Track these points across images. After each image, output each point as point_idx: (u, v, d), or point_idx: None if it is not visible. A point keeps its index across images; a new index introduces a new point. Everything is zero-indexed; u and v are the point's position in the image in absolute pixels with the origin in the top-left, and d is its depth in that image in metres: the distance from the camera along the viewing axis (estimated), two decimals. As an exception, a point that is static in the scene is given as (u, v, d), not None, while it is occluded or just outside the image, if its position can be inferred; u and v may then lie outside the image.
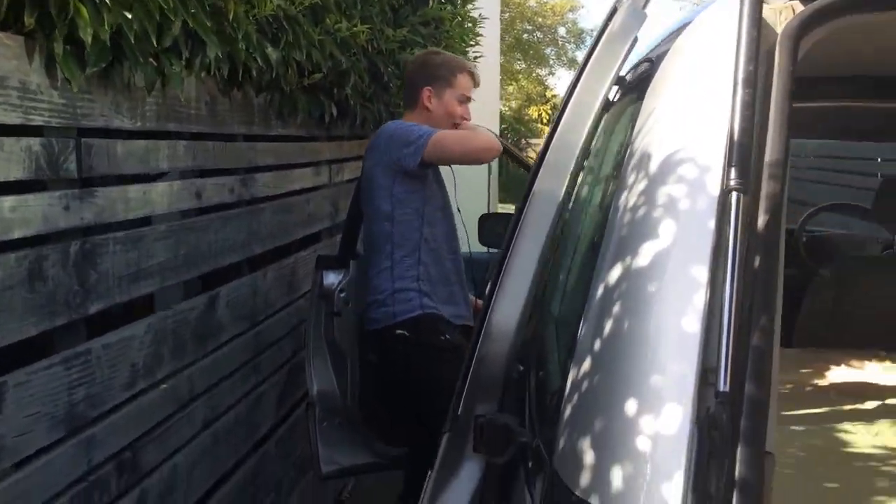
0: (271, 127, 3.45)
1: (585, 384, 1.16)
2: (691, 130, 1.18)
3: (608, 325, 1.14)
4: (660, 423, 1.04)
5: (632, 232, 1.19)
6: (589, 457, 1.10)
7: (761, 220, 1.07)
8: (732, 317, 1.00)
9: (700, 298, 1.08)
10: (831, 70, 2.34)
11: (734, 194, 1.04)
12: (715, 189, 1.09)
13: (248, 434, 3.41)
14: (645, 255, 1.14)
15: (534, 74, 29.45)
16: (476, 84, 3.45)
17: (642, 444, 1.04)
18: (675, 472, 1.01)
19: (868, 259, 3.74)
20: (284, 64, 2.90)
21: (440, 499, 1.31)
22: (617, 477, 1.05)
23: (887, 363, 3.16)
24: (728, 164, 1.05)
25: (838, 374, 3.08)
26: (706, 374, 1.04)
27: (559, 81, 32.36)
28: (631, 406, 1.07)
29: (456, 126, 3.36)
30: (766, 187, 1.09)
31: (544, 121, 30.17)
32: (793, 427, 2.49)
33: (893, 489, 1.99)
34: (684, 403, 1.04)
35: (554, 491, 1.13)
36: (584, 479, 1.10)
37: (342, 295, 3.67)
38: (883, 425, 2.47)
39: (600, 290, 1.19)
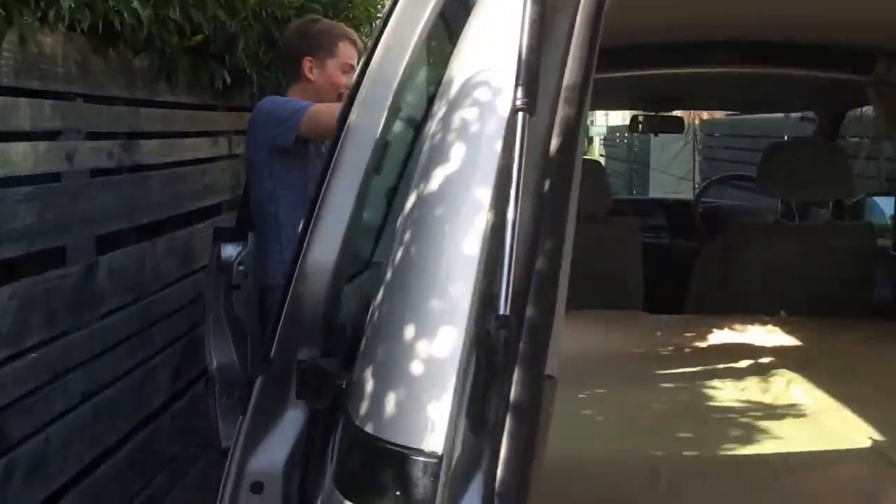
0: (158, 92, 3.35)
1: (377, 315, 1.14)
2: (494, 53, 1.16)
3: (399, 254, 1.13)
4: (434, 347, 1.03)
5: (429, 159, 1.17)
6: (370, 386, 1.08)
7: (554, 144, 1.06)
8: (515, 240, 0.98)
9: (482, 221, 1.06)
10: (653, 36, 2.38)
11: (520, 114, 1.02)
12: (506, 111, 1.08)
13: (137, 408, 3.32)
14: (436, 181, 1.12)
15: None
16: (360, 52, 3.39)
17: (416, 368, 1.02)
18: (444, 395, 0.99)
19: (756, 227, 3.81)
20: (159, 22, 2.81)
21: (261, 444, 1.28)
22: (391, 403, 1.03)
23: (769, 327, 3.23)
24: (515, 84, 1.03)
25: (720, 336, 3.13)
26: (489, 298, 1.02)
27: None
28: (409, 331, 1.05)
29: (341, 96, 3.30)
30: (561, 111, 1.07)
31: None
32: (662, 384, 2.52)
33: (744, 437, 2.04)
34: (460, 327, 1.02)
35: (346, 425, 1.11)
36: (364, 408, 1.09)
37: (241, 268, 3.59)
38: (751, 382, 2.52)
39: (399, 221, 1.17)
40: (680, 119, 4.61)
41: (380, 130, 1.32)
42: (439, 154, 1.14)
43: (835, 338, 3.05)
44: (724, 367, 2.68)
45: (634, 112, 4.54)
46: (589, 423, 2.15)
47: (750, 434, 2.06)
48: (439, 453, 0.98)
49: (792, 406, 2.31)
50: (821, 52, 3.05)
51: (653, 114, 4.46)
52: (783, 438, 2.03)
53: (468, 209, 1.07)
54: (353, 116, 1.34)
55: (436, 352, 1.02)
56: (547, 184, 1.03)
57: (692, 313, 3.57)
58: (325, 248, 1.29)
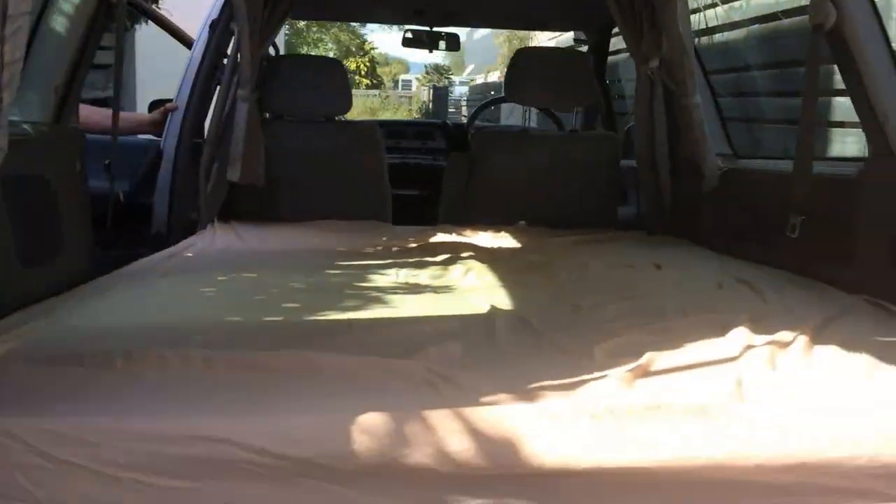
0: None
1: None
2: None
3: None
4: None
5: None
6: None
7: None
8: None
9: None
10: None
11: None
12: None
13: None
14: None
15: (345, 25, 28.74)
16: None
17: None
18: None
19: (497, 135, 3.68)
20: None
21: None
22: None
23: (501, 234, 3.10)
24: None
25: (440, 238, 2.98)
26: None
27: (372, 34, 31.70)
28: None
29: None
30: None
31: (363, 73, 29.77)
32: (327, 271, 2.34)
33: (353, 307, 1.86)
34: None
35: None
36: None
37: None
38: (429, 270, 2.36)
39: None
40: (455, 36, 4.47)
41: None
42: None
43: (550, 240, 2.95)
44: (415, 261, 2.52)
45: (408, 27, 4.37)
46: (196, 297, 1.94)
47: (365, 304, 1.88)
48: None
49: (448, 287, 2.15)
50: None
51: (426, 29, 4.29)
52: (398, 307, 1.87)
53: None
54: None
55: None
56: None
57: (442, 223, 3.42)
58: None
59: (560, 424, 1.15)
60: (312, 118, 3.32)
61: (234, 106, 3.14)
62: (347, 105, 3.36)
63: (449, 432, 1.13)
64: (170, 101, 3.28)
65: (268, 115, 3.32)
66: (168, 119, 3.22)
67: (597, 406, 1.19)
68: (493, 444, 1.13)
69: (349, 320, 1.73)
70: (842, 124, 3.75)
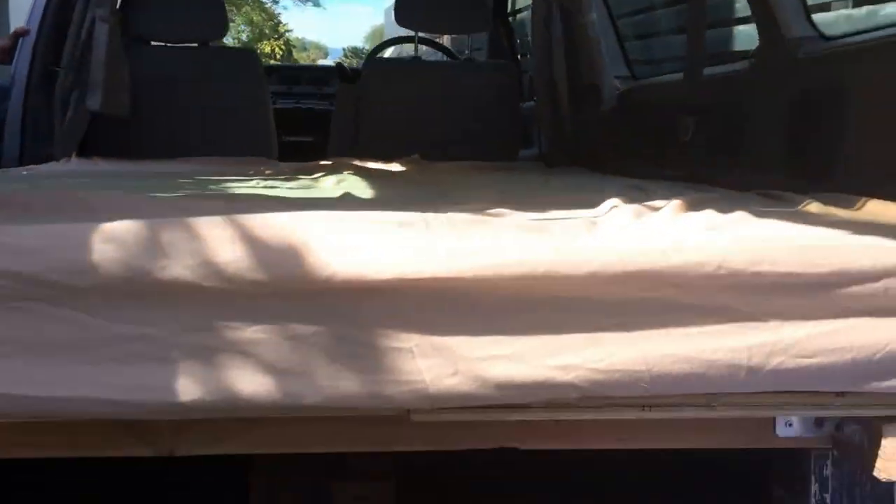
0: None
1: None
2: None
3: None
4: None
5: None
6: None
7: None
8: None
9: None
10: None
11: None
12: None
13: None
14: None
15: (258, 2, 28.02)
16: None
17: None
18: None
19: (389, 63, 3.49)
20: None
21: None
22: None
23: (394, 164, 2.90)
24: None
25: (322, 164, 2.78)
26: None
27: (287, 12, 30.96)
28: None
29: None
30: None
31: (278, 56, 29.11)
32: (179, 180, 2.12)
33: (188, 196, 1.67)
34: None
35: None
36: None
37: None
38: (300, 181, 2.19)
39: None
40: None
41: None
42: None
43: (442, 166, 2.77)
44: (286, 176, 2.31)
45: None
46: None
47: (200, 196, 1.68)
48: None
49: (314, 190, 1.96)
50: None
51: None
52: (245, 202, 1.67)
53: None
54: None
55: None
56: None
57: (332, 156, 3.19)
58: None
59: (359, 231, 0.95)
60: (182, 42, 3.06)
61: (93, 28, 2.85)
62: (222, 28, 3.11)
63: (218, 240, 0.92)
64: None
65: (134, 37, 3.04)
66: (19, 44, 2.92)
67: (408, 217, 1.00)
68: (273, 253, 0.92)
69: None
70: (746, 54, 3.68)
